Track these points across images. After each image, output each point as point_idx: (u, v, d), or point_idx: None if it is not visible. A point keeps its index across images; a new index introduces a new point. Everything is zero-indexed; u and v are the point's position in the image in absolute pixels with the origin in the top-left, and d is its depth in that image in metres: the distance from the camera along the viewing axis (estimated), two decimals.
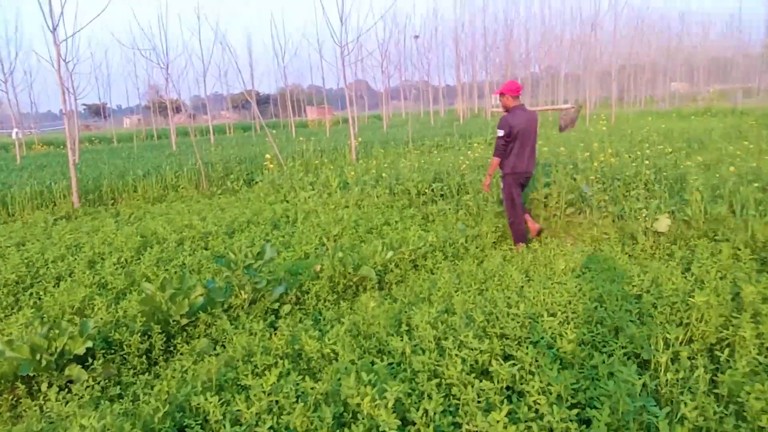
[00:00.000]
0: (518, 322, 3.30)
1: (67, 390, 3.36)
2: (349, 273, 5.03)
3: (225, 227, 7.19)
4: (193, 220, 7.55)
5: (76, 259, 5.93)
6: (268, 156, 12.04)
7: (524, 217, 6.16)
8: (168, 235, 6.77)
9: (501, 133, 5.88)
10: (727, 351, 2.85)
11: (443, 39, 43.08)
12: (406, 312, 3.76)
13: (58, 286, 5.24)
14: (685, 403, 2.41)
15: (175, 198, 10.62)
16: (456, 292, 4.11)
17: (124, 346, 3.75)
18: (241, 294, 4.50)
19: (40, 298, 5.08)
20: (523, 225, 6.12)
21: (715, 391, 2.66)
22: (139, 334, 3.79)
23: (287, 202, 9.48)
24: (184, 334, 4.05)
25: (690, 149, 11.27)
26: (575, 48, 35.83)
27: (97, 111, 59.23)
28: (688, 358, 2.99)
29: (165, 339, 3.87)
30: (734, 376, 2.57)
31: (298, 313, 4.48)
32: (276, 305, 4.50)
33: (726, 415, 2.43)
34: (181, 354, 3.77)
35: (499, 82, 47.56)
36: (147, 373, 3.46)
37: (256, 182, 11.57)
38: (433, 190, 8.47)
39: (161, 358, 3.75)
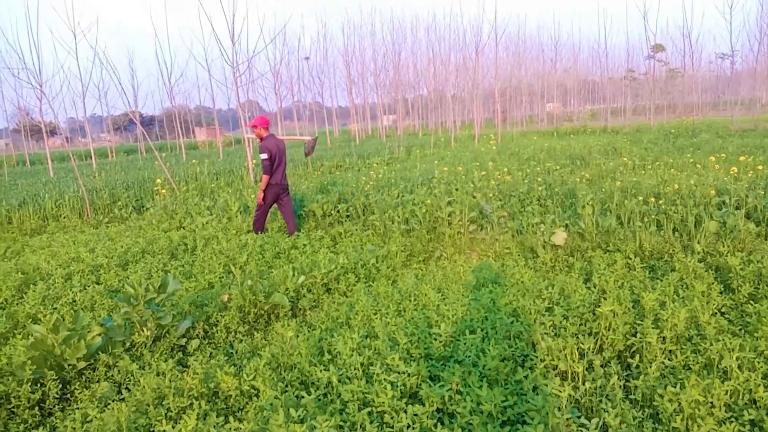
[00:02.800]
0: (441, 342, 3.31)
1: None
2: (260, 301, 4.84)
3: (117, 258, 6.68)
4: (81, 252, 6.94)
5: None
6: (158, 180, 11.42)
7: (275, 220, 8.33)
8: (53, 270, 6.17)
9: (265, 156, 7.57)
10: (637, 357, 3.03)
11: (334, 61, 43.61)
12: (326, 339, 3.66)
13: None
14: (607, 411, 2.53)
15: (57, 229, 9.74)
16: (375, 315, 4.07)
17: (11, 398, 3.32)
18: (143, 331, 4.18)
19: None
20: (264, 221, 8.04)
21: (630, 396, 2.81)
22: (29, 383, 3.38)
23: (183, 228, 9.02)
24: (83, 378, 3.67)
25: (574, 166, 12.11)
26: (460, 72, 37.56)
27: None
28: (601, 366, 3.15)
29: (60, 386, 3.48)
30: (647, 381, 2.73)
31: (208, 347, 4.23)
32: (183, 341, 4.22)
33: (643, 419, 2.57)
34: (80, 401, 3.41)
35: (390, 105, 48.88)
36: (41, 427, 3.10)
37: (147, 209, 10.91)
38: (338, 211, 8.42)
39: (57, 407, 3.37)
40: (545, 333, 3.39)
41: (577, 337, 3.31)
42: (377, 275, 5.77)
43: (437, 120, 45.70)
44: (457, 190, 8.17)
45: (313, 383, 3.11)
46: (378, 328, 3.53)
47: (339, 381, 2.96)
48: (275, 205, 8.19)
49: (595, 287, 4.24)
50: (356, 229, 7.72)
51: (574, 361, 3.07)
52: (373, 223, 7.68)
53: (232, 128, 63.07)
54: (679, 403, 2.55)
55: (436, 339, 3.36)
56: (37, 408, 3.32)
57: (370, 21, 59.89)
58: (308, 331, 3.93)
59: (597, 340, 3.40)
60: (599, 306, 3.50)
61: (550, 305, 3.90)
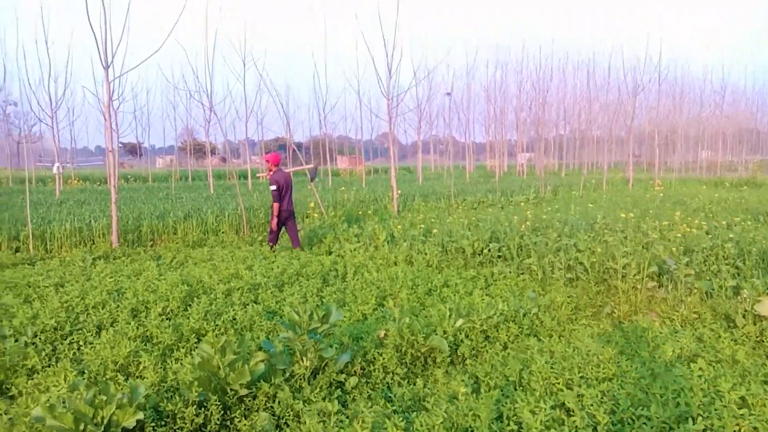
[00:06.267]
0: (654, 428, 2.74)
1: None
2: (417, 342, 4.52)
3: (274, 279, 6.76)
4: (240, 269, 7.14)
5: (118, 306, 5.53)
6: (311, 204, 11.71)
7: (281, 236, 9.80)
8: (215, 284, 6.36)
9: (274, 187, 9.14)
10: None
11: (475, 97, 42.97)
12: (505, 402, 3.21)
13: (99, 337, 4.84)
14: None
15: (216, 243, 10.26)
16: (556, 379, 3.56)
17: (177, 419, 3.26)
18: (303, 361, 4.01)
19: (79, 349, 4.67)
20: (277, 237, 9.53)
21: None
22: (194, 405, 3.30)
23: (332, 253, 9.08)
24: (242, 406, 3.55)
25: (757, 222, 10.62)
26: (611, 112, 35.51)
27: (132, 150, 60.54)
28: None
29: (221, 411, 3.38)
30: None
31: (366, 387, 3.97)
32: (342, 377, 3.99)
33: None
34: (238, 430, 3.28)
35: (529, 143, 47.42)
36: None
37: (298, 231, 11.22)
38: (489, 251, 7.96)
39: None
40: None
41: None
42: (540, 328, 5.22)
43: (578, 160, 43.60)
44: (626, 238, 7.38)
45: None
46: (569, 401, 3.02)
47: None
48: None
49: None
50: (510, 272, 7.21)
51: None
52: (529, 267, 7.14)
53: (371, 158, 65.27)
54: None
55: (645, 424, 2.79)
56: None
57: (516, 58, 58.81)
58: (484, 390, 3.51)
59: None
60: None
61: None
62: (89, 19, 9.73)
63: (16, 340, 4.70)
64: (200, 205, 13.51)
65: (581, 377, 3.58)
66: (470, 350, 4.64)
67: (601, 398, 3.13)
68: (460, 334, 4.81)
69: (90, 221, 10.63)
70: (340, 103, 47.09)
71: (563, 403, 3.16)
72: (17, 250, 9.43)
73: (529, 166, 45.00)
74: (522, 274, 7.14)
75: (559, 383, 3.47)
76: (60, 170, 20.61)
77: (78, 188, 24.61)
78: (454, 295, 6.21)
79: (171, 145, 51.78)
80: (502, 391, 3.54)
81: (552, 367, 3.74)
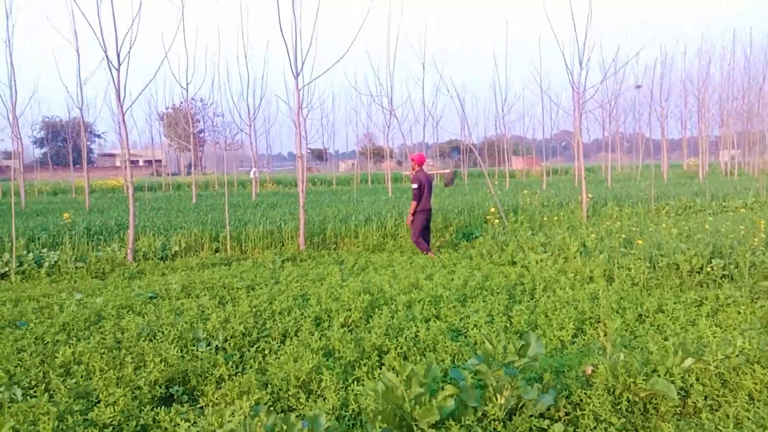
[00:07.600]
0: None
1: None
2: (635, 385, 3.70)
3: (455, 291, 6.28)
4: (420, 279, 6.79)
5: (302, 313, 5.46)
6: (492, 210, 11.08)
7: (427, 242, 9.57)
8: (396, 295, 6.07)
9: (415, 185, 9.22)
10: None
11: (669, 89, 38.28)
12: None
13: (284, 344, 4.77)
14: None
15: (395, 247, 10.12)
16: None
17: None
18: (496, 399, 3.45)
19: (264, 358, 4.61)
20: (424, 242, 9.39)
21: None
22: None
23: (514, 263, 8.37)
24: None
25: None
26: None
27: (319, 155, 64.79)
28: None
29: None
30: None
31: None
32: (544, 423, 3.35)
33: None
34: None
35: (733, 138, 41.11)
36: None
37: (476, 237, 10.67)
38: (713, 268, 6.66)
39: None
40: None
41: None
42: None
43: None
44: None
45: None
46: None
47: None
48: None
49: None
50: (740, 296, 5.91)
51: None
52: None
53: (548, 157, 62.38)
54: None
55: None
56: None
57: (721, 44, 51.51)
58: None
59: None
60: None
61: None
62: (281, 30, 10.17)
63: (208, 344, 4.81)
64: (380, 209, 13.59)
65: None
66: (704, 399, 3.70)
67: None
68: (689, 377, 3.88)
69: (280, 224, 11.15)
70: (518, 101, 45.49)
71: None
72: (217, 250, 10.17)
73: (733, 164, 39.27)
74: (758, 299, 5.81)
75: None
76: (256, 175, 22.46)
77: (272, 191, 26.72)
78: (673, 323, 5.19)
79: (352, 149, 54.55)
80: None
81: None
